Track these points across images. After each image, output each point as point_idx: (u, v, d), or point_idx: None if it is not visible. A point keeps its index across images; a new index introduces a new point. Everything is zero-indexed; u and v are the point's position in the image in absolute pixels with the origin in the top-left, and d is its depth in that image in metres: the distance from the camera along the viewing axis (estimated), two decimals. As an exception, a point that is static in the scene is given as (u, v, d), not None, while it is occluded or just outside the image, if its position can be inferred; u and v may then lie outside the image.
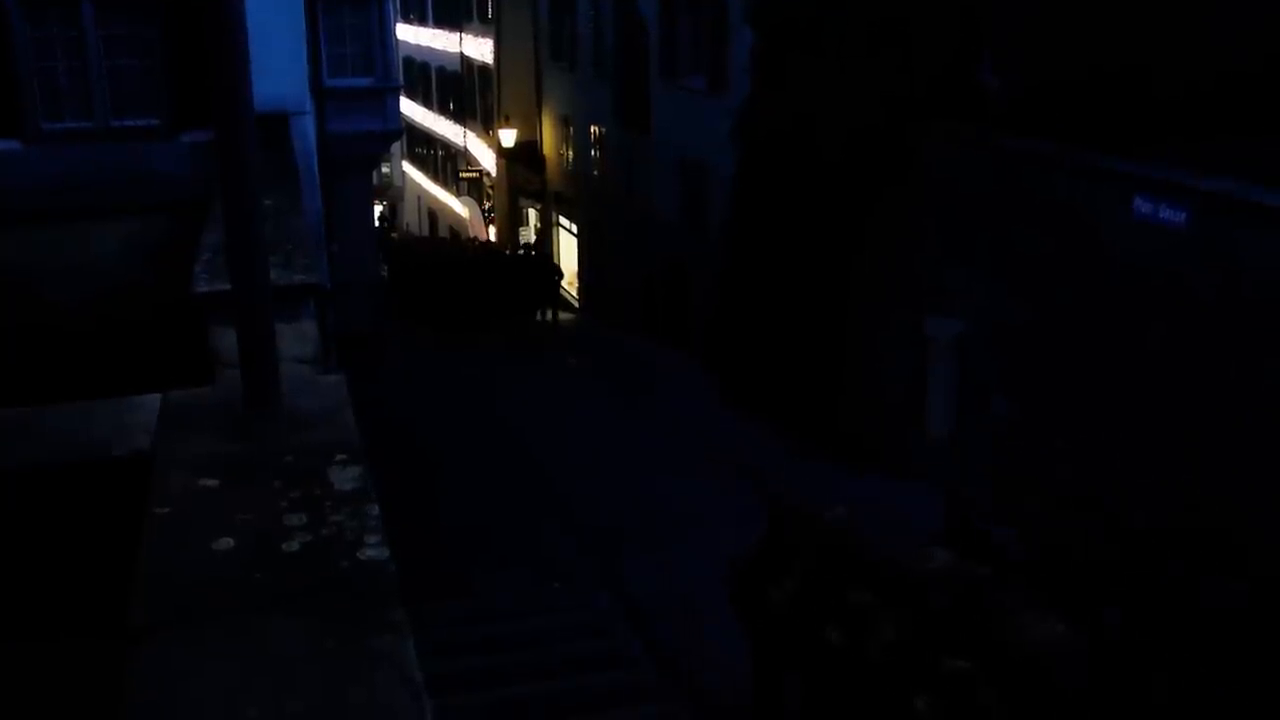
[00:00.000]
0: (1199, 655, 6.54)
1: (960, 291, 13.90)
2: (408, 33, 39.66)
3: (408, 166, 48.21)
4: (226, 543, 2.97)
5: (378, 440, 5.78)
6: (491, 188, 37.07)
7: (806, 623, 7.07)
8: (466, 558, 11.95)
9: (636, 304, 25.37)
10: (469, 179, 38.76)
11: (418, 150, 45.98)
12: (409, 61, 40.62)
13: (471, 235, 37.39)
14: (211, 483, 3.31)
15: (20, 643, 3.56)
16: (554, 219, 31.68)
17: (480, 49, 34.89)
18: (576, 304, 29.95)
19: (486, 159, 36.10)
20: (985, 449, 13.53)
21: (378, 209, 40.14)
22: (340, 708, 2.34)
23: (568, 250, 30.69)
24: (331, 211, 14.79)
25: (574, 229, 30.32)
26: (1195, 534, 8.11)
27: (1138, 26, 13.59)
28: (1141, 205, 11.20)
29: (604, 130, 27.03)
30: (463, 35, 36.77)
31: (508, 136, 31.41)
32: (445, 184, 42.77)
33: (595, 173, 27.95)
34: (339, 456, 3.45)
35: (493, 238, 36.28)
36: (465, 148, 38.41)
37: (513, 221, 34.62)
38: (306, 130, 11.86)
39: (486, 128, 35.11)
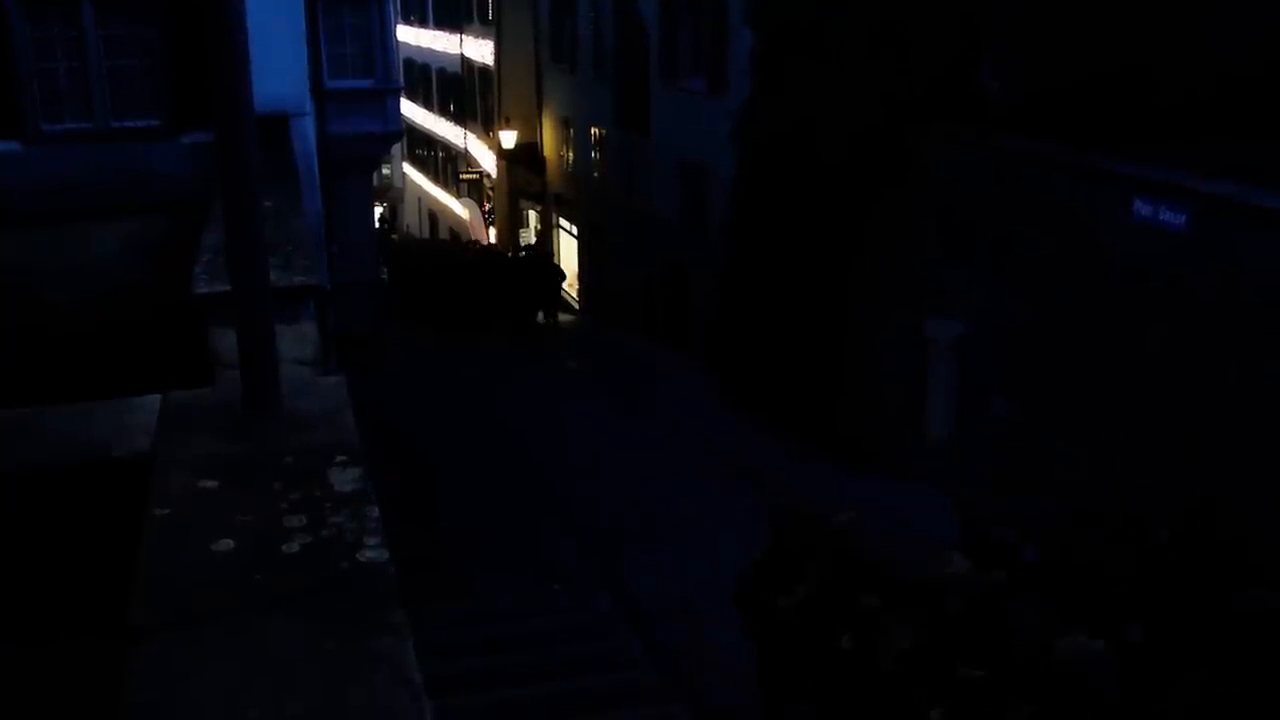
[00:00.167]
0: (1230, 661, 6.45)
1: (960, 293, 13.90)
2: (408, 34, 39.67)
3: (408, 168, 48.22)
4: (226, 544, 2.97)
5: (378, 441, 5.78)
6: (492, 189, 37.07)
7: (815, 628, 7.01)
8: (466, 559, 11.94)
9: (637, 305, 25.38)
10: (469, 180, 38.76)
11: (418, 152, 45.99)
12: (409, 63, 40.64)
13: (472, 237, 37.39)
14: (211, 484, 3.31)
15: (20, 644, 3.55)
16: (554, 220, 31.69)
17: (481, 50, 34.91)
18: (577, 305, 29.96)
19: (487, 160, 36.11)
20: (985, 450, 13.53)
21: (378, 210, 40.14)
22: (340, 709, 2.34)
23: (568, 252, 30.68)
24: (332, 213, 14.79)
25: (574, 230, 30.33)
26: (1208, 539, 8.05)
27: (1138, 28, 13.59)
28: (1142, 208, 11.20)
29: (604, 132, 27.04)
30: (463, 36, 36.78)
31: (508, 138, 31.42)
32: (446, 185, 42.78)
33: (595, 174, 27.96)
34: (339, 458, 3.45)
35: (493, 239, 36.29)
36: (466, 149, 38.42)
37: (513, 223, 34.63)
38: (307, 131, 11.86)
39: (487, 129, 35.13)
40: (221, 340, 5.04)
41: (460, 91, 38.10)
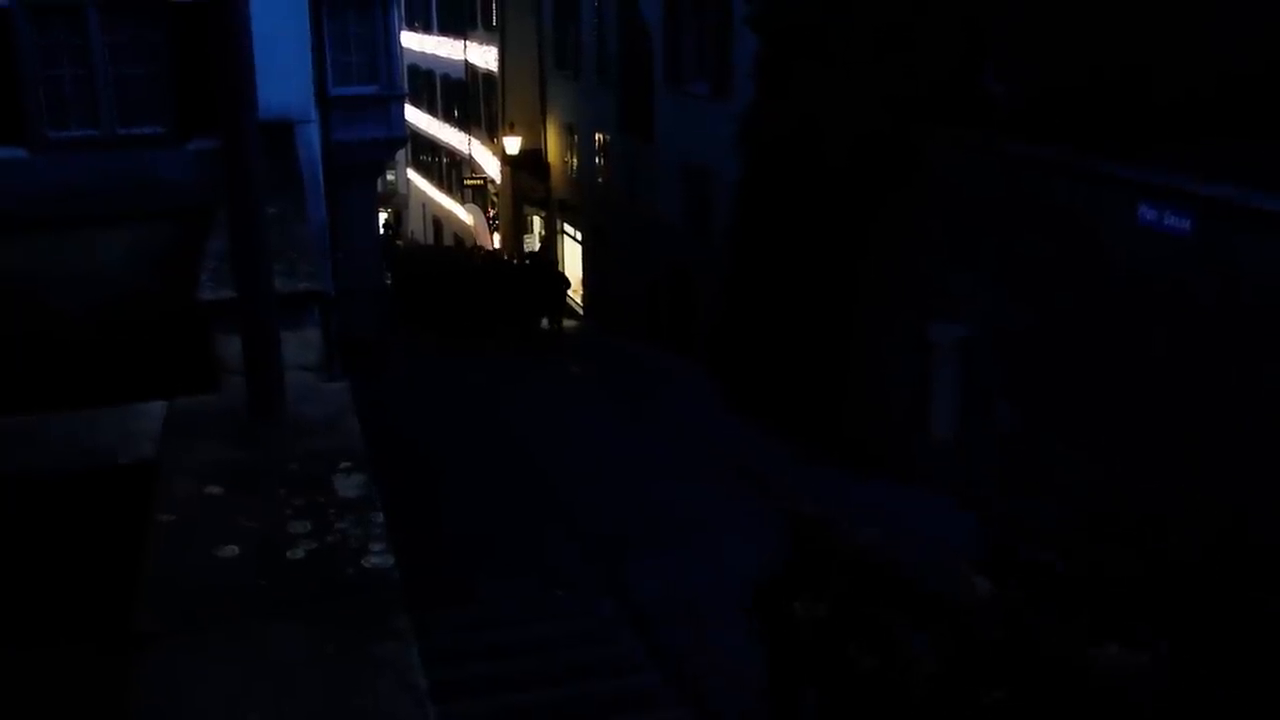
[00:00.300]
0: (1266, 669, 6.37)
1: (964, 296, 13.90)
2: (412, 40, 39.74)
3: (412, 174, 48.26)
4: (231, 550, 2.98)
5: (381, 447, 5.78)
6: (496, 195, 37.10)
7: (834, 642, 6.92)
8: (470, 564, 11.94)
9: (641, 310, 25.37)
10: (474, 186, 38.78)
11: (422, 158, 46.03)
12: (413, 69, 40.69)
13: (476, 243, 37.41)
14: (216, 490, 3.32)
15: (25, 649, 3.56)
16: (558, 226, 31.72)
17: (484, 57, 34.95)
18: (581, 311, 29.97)
19: (491, 166, 36.14)
20: (989, 454, 13.52)
21: (382, 216, 40.16)
22: (344, 714, 2.35)
23: (572, 257, 30.71)
24: (336, 219, 14.82)
25: (578, 236, 30.35)
26: (1240, 549, 8.00)
27: (1138, 29, 13.58)
28: (1146, 212, 11.19)
29: (608, 137, 27.06)
30: (467, 43, 36.82)
31: (512, 144, 31.45)
32: (450, 191, 42.81)
33: (599, 180, 27.97)
34: (343, 464, 3.46)
35: (497, 245, 36.32)
36: (470, 155, 38.46)
37: (517, 229, 34.65)
38: (311, 138, 11.89)
39: (491, 135, 35.16)
40: (226, 346, 5.05)
41: (464, 97, 38.15)
